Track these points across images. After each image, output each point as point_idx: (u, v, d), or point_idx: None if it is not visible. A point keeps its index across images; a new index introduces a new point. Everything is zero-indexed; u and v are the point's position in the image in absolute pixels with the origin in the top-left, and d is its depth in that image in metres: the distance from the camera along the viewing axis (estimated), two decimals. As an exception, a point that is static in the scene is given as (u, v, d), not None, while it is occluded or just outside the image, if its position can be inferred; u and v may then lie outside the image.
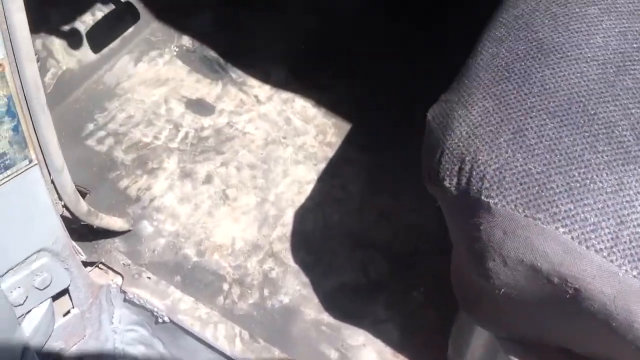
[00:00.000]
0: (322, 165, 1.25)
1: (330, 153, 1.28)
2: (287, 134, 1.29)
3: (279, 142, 1.27)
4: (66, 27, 1.25)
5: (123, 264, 1.06)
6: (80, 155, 1.19)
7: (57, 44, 1.24)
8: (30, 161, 0.80)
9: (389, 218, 1.19)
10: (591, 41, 0.71)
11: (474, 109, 0.68)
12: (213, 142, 1.25)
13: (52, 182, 0.85)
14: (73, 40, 1.26)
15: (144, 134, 1.24)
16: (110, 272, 1.06)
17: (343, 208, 1.20)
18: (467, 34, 1.40)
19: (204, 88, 1.33)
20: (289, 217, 1.17)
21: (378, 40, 1.47)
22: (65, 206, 0.89)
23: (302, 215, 1.18)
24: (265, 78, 1.38)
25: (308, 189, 1.21)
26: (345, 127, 1.32)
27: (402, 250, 1.14)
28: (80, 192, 1.13)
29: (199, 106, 1.30)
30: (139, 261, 1.07)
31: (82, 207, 0.91)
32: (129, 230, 1.09)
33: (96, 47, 1.29)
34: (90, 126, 1.23)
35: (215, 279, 1.07)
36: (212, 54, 1.39)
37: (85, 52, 1.28)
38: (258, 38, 1.45)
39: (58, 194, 0.87)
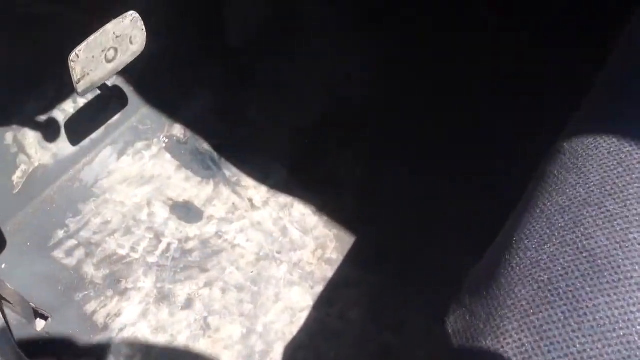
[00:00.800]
0: (320, 288, 1.11)
1: (330, 272, 1.13)
2: (283, 247, 1.14)
3: (273, 258, 1.13)
4: (43, 117, 1.11)
5: (80, 414, 0.91)
6: (45, 269, 1.05)
7: (31, 137, 1.10)
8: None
9: (394, 356, 1.05)
10: (657, 258, 0.56)
11: (508, 343, 0.54)
12: (198, 256, 1.11)
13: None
14: (49, 131, 1.12)
15: (120, 244, 1.09)
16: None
17: (340, 342, 1.06)
18: (479, 125, 1.28)
19: (193, 188, 1.19)
20: (277, 354, 1.03)
21: (388, 133, 1.32)
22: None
23: (293, 351, 1.04)
24: (262, 177, 1.24)
25: (302, 317, 1.07)
26: (348, 240, 1.18)
27: (406, 402, 1.00)
28: (40, 315, 0.99)
29: (186, 210, 1.16)
30: (99, 410, 0.92)
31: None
32: (92, 369, 0.95)
33: (75, 139, 1.15)
34: (60, 233, 1.09)
35: None
36: (205, 146, 1.26)
37: (62, 145, 1.14)
38: (258, 128, 1.31)
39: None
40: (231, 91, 1.31)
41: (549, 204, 0.63)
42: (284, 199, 1.21)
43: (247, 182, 1.23)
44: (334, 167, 1.27)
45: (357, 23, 1.42)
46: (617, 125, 0.67)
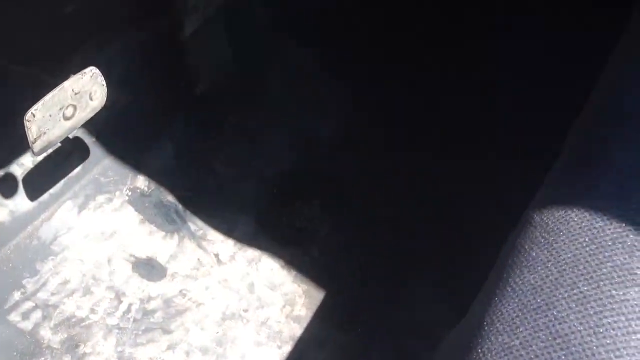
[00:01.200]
0: (288, 348, 1.07)
1: (299, 330, 1.10)
2: (250, 305, 1.11)
3: (239, 317, 1.09)
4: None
5: None
6: (0, 334, 1.00)
7: (-14, 194, 1.06)
8: None
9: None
10: (632, 344, 0.54)
11: None
12: (160, 316, 1.07)
13: None
14: (6, 187, 1.08)
15: (79, 305, 1.05)
16: None
17: (309, 408, 1.02)
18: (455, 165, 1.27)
19: (157, 243, 1.16)
20: (243, 421, 0.98)
21: (364, 179, 1.30)
22: None
23: (260, 416, 1.00)
24: (229, 230, 1.20)
25: (269, 380, 1.03)
26: (318, 296, 1.15)
27: None
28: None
29: (149, 268, 1.13)
30: None
31: None
32: None
33: (33, 194, 1.11)
34: (17, 295, 1.04)
35: None
36: (170, 198, 1.22)
37: (20, 201, 1.10)
38: (224, 179, 1.28)
39: None
40: (196, 141, 1.28)
41: (520, 282, 0.61)
42: (251, 252, 1.18)
43: (213, 235, 1.19)
44: (302, 218, 1.24)
45: (327, 71, 1.41)
46: (588, 197, 0.65)
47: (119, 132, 1.23)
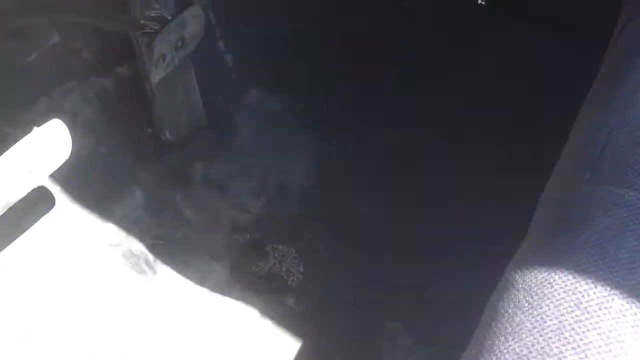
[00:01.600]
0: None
1: (275, 386, 1.07)
2: (224, 357, 1.08)
3: (212, 373, 1.05)
4: (-40, 228, 1.03)
5: None
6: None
7: (-55, 250, 1.01)
8: None
9: None
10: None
11: None
12: (131, 374, 1.03)
13: None
14: (-33, 241, 1.03)
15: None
16: None
17: None
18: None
19: (125, 298, 1.12)
20: None
21: (336, 224, 1.27)
22: None
23: None
24: (201, 280, 1.17)
25: None
26: (294, 347, 1.13)
27: None
28: None
29: (117, 323, 1.09)
30: None
31: None
32: None
33: (-5, 247, 1.07)
34: (-23, 357, 0.99)
35: None
36: (140, 247, 1.19)
37: (-19, 255, 1.05)
38: (196, 225, 1.25)
39: None
40: (165, 189, 1.25)
41: (504, 350, 0.59)
42: (224, 302, 1.15)
43: (185, 285, 1.16)
44: (275, 265, 1.21)
45: (295, 116, 1.39)
46: (572, 259, 0.63)
47: (85, 180, 1.20)
